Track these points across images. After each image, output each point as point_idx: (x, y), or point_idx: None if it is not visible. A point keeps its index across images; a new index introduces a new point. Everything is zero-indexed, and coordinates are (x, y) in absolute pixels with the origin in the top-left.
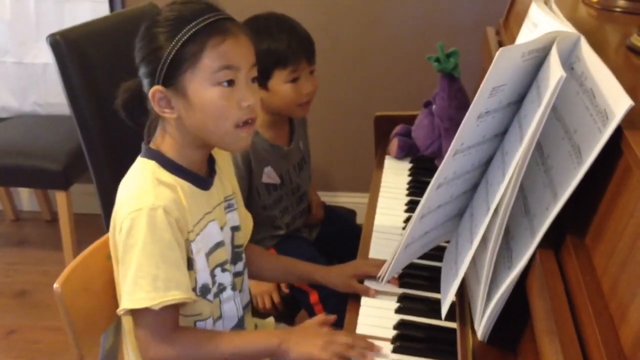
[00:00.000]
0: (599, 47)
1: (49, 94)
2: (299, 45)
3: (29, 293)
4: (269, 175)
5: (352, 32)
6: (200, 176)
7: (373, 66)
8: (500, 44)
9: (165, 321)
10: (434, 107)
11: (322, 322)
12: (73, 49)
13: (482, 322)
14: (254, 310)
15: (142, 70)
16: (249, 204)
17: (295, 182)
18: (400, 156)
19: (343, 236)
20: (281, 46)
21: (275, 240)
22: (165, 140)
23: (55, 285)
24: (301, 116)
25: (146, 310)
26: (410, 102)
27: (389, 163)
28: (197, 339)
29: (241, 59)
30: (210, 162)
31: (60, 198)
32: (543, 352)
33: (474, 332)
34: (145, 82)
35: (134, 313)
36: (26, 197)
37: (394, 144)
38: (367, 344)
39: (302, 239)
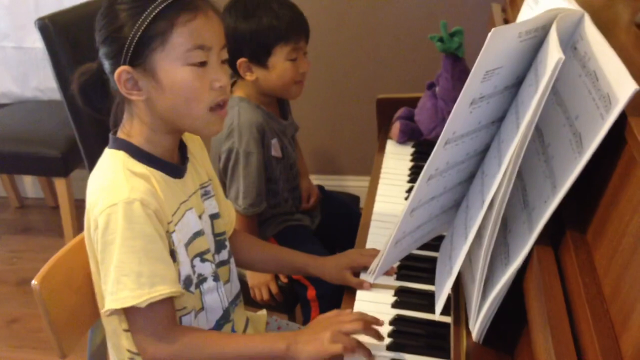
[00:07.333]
0: (607, 25)
1: (49, 79)
2: (300, 23)
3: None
4: (275, 148)
5: (355, 12)
6: (173, 164)
7: (376, 47)
8: (506, 22)
9: (160, 318)
10: (437, 89)
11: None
12: (62, 32)
13: (477, 323)
14: (251, 300)
15: (103, 51)
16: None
17: (292, 157)
18: (402, 141)
19: (344, 224)
20: (284, 22)
21: (277, 230)
22: (134, 126)
23: (34, 282)
24: (296, 96)
25: (136, 309)
26: (413, 84)
27: (391, 147)
28: (199, 340)
29: (213, 37)
30: (182, 148)
31: (59, 185)
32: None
33: (469, 332)
34: (107, 63)
35: (126, 314)
36: (30, 184)
37: (395, 128)
38: (374, 319)
39: (303, 228)
